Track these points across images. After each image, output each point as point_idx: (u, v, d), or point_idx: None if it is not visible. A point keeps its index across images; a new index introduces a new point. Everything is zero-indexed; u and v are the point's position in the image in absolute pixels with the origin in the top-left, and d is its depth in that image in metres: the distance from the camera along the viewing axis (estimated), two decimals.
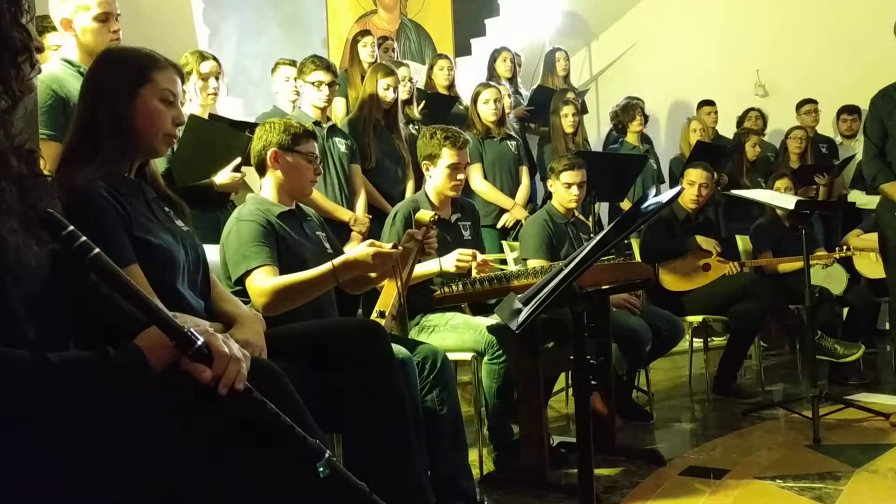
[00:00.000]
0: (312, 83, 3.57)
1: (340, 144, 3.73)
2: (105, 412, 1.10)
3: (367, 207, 3.74)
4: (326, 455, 1.14)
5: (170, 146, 1.73)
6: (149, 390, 1.12)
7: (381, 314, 2.16)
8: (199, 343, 1.13)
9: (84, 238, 1.10)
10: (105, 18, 2.42)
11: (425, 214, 2.40)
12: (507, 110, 4.61)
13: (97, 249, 1.10)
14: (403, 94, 4.17)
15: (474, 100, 4.30)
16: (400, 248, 2.15)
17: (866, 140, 3.62)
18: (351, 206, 3.69)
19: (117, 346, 1.12)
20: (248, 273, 2.11)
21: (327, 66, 3.60)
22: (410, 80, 4.51)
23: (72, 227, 1.09)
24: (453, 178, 2.86)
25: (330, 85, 3.59)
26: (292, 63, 4.27)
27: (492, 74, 5.27)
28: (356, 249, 2.09)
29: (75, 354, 1.12)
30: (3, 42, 1.09)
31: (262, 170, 2.35)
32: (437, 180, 2.88)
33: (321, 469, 1.13)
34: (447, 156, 2.84)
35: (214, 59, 3.28)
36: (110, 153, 1.59)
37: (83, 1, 2.39)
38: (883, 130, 3.49)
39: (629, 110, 5.25)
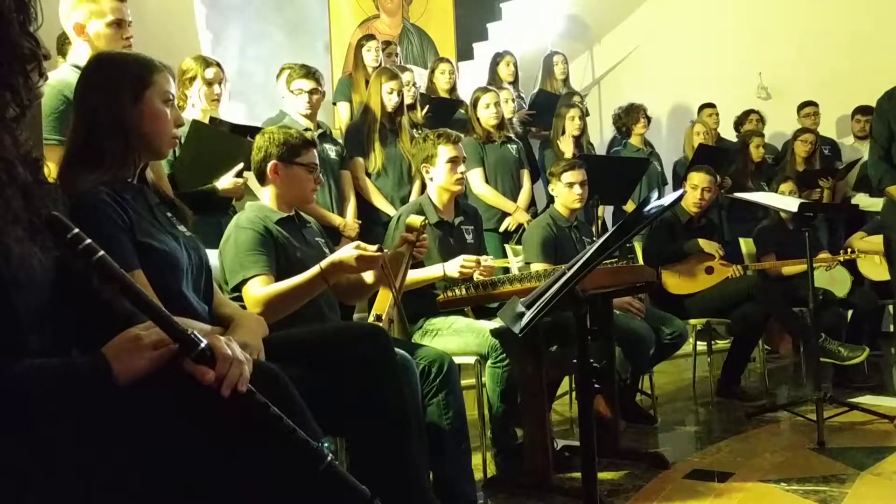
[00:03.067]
0: (293, 91, 3.55)
1: (331, 151, 3.73)
2: (106, 414, 1.10)
3: (356, 213, 3.75)
4: (329, 458, 1.14)
5: (173, 147, 1.73)
6: (151, 392, 1.12)
7: (378, 318, 2.16)
8: (203, 345, 1.13)
9: (89, 240, 1.09)
10: (118, 25, 2.43)
11: (416, 219, 2.41)
12: (510, 114, 4.62)
13: (102, 252, 1.10)
14: (407, 99, 4.16)
15: (474, 104, 4.30)
16: (386, 250, 2.16)
17: (872, 142, 3.59)
18: (341, 212, 3.69)
19: (83, 353, 1.11)
20: (244, 282, 2.12)
21: (309, 74, 3.56)
22: (414, 84, 4.52)
23: (77, 230, 1.09)
24: (454, 172, 2.88)
25: (312, 93, 3.55)
26: None
27: (494, 78, 5.27)
28: (342, 251, 2.10)
29: (41, 362, 1.09)
30: (11, 50, 1.10)
31: (262, 179, 2.35)
32: (439, 178, 2.89)
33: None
34: (443, 152, 2.87)
35: (217, 64, 3.30)
36: (115, 158, 1.60)
37: (97, 7, 2.40)
38: (889, 132, 3.46)
39: (632, 113, 5.25)
